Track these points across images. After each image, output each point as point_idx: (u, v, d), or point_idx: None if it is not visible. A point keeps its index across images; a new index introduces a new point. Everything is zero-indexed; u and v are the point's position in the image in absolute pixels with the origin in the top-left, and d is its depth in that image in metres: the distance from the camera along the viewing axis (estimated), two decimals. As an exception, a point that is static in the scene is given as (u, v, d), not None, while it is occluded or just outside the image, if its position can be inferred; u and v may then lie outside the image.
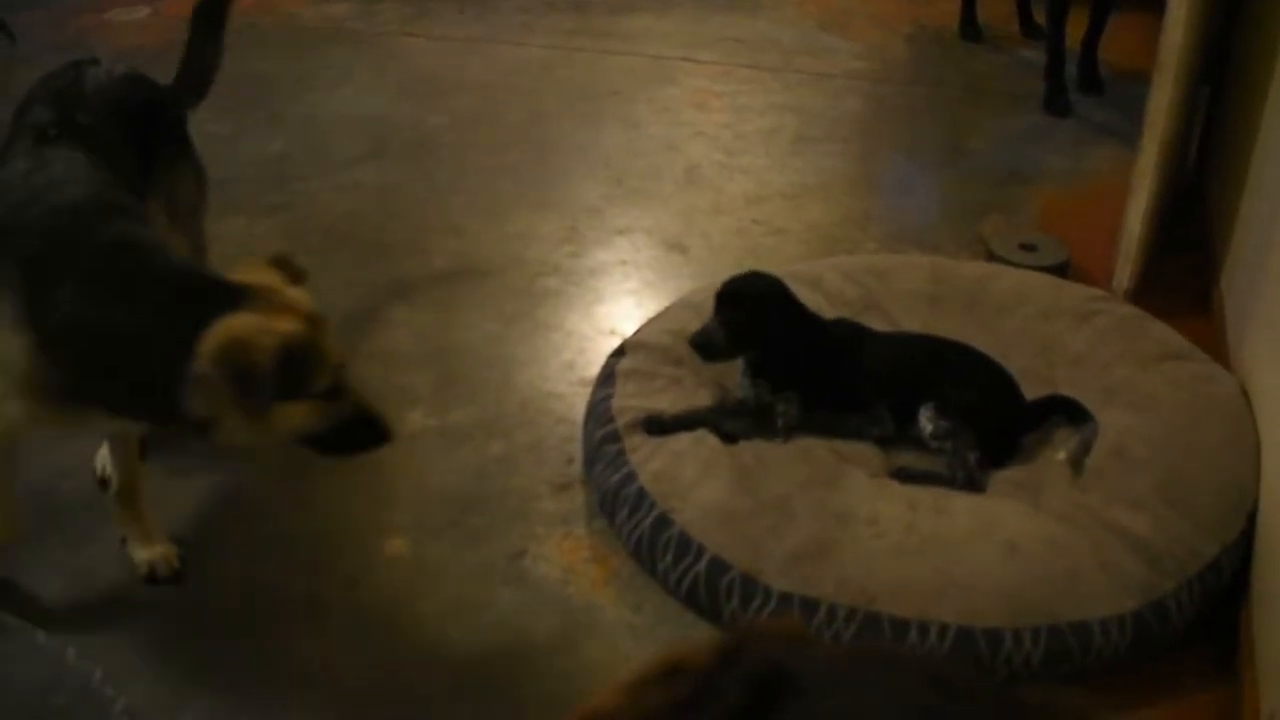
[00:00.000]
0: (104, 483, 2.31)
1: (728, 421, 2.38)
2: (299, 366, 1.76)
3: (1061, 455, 2.31)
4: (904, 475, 2.31)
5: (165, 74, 2.44)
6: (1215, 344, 2.70)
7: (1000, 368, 2.45)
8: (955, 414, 2.31)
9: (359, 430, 1.89)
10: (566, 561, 2.28)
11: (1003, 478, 2.30)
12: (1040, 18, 4.53)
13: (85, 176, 1.94)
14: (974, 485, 2.25)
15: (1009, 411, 2.40)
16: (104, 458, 2.32)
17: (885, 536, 2.08)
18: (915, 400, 2.36)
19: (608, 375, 2.55)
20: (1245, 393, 2.41)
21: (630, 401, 2.42)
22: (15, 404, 1.86)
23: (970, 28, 4.88)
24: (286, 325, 1.75)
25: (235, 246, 3.36)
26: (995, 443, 2.34)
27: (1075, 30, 4.29)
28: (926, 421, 2.33)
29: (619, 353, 2.63)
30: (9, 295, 1.78)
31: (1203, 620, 2.07)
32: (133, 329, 1.76)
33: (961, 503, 2.16)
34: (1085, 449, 2.28)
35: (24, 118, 2.11)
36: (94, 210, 1.87)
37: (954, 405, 2.32)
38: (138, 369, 1.77)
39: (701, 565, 2.10)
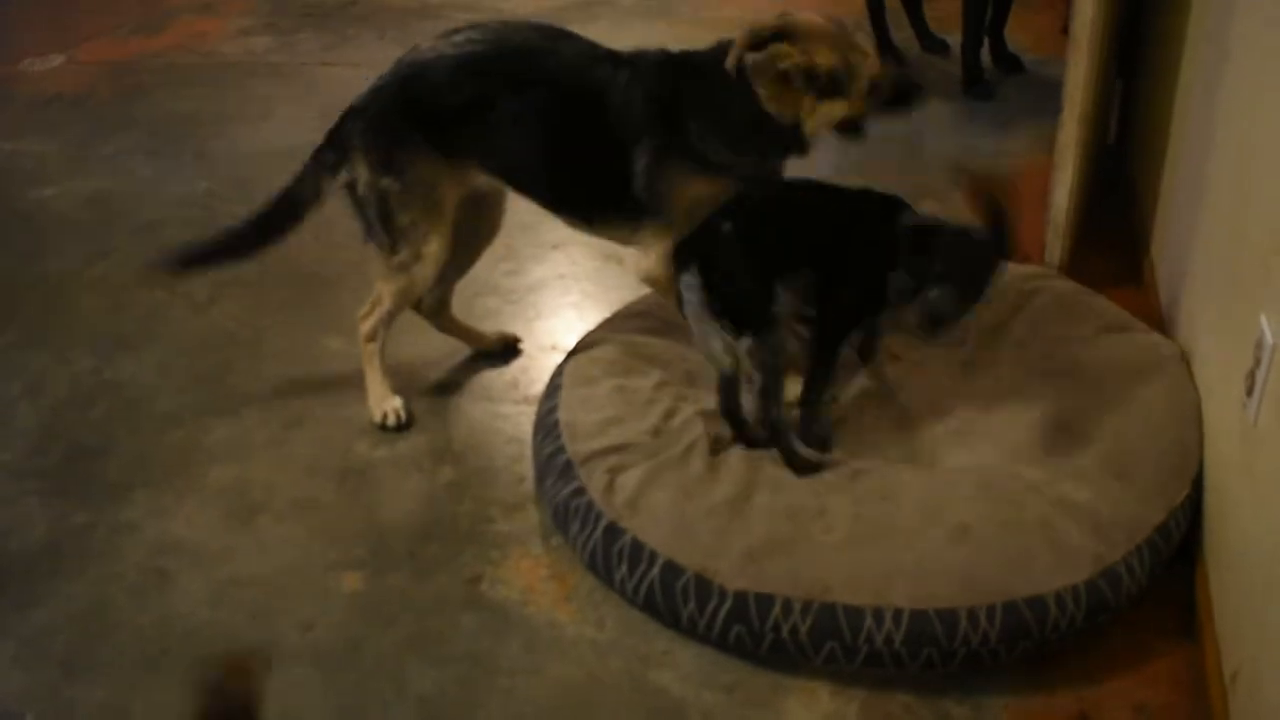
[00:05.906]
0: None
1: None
2: (832, 80, 2.31)
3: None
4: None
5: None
6: (1150, 311, 2.73)
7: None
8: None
9: (901, 100, 2.43)
10: (525, 582, 2.26)
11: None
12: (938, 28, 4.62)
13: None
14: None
15: None
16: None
17: (835, 530, 2.08)
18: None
19: (554, 387, 2.54)
20: (1185, 358, 2.44)
21: (576, 415, 2.41)
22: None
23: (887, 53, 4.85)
24: (819, 56, 2.30)
25: (165, 291, 3.31)
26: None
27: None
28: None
29: (565, 361, 2.62)
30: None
31: (1159, 584, 2.09)
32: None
33: (907, 489, 2.16)
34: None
35: None
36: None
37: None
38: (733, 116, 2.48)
39: (655, 571, 2.09)
